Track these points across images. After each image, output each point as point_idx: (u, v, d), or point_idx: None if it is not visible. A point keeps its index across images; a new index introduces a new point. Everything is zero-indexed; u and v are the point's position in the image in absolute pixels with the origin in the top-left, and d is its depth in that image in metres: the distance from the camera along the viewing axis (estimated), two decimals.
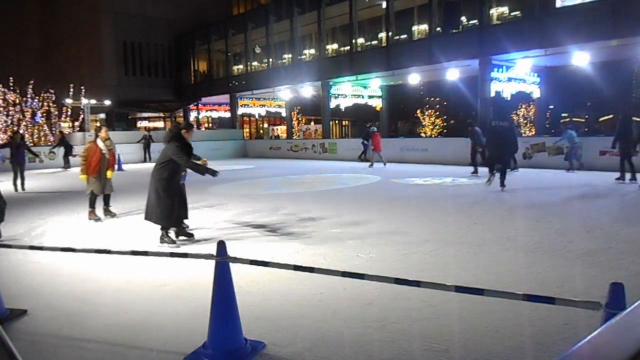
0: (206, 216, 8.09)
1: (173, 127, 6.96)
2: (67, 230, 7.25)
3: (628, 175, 10.95)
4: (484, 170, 11.68)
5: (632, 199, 9.00)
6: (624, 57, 22.64)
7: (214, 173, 5.95)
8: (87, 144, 8.10)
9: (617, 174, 11.17)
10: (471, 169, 13.92)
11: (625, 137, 10.87)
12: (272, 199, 10.03)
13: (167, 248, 5.81)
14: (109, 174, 8.10)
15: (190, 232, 6.38)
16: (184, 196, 6.26)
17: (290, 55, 27.39)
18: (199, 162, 6.10)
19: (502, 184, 10.16)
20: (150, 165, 22.39)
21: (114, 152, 8.43)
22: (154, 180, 5.98)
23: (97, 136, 8.07)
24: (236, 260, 2.92)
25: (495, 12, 18.92)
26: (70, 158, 20.17)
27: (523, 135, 31.67)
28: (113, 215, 8.20)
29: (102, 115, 34.95)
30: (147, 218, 6.07)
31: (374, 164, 17.46)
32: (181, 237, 6.23)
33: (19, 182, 12.23)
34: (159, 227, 6.07)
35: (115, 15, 32.30)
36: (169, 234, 6.06)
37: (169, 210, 5.88)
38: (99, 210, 8.08)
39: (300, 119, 39.73)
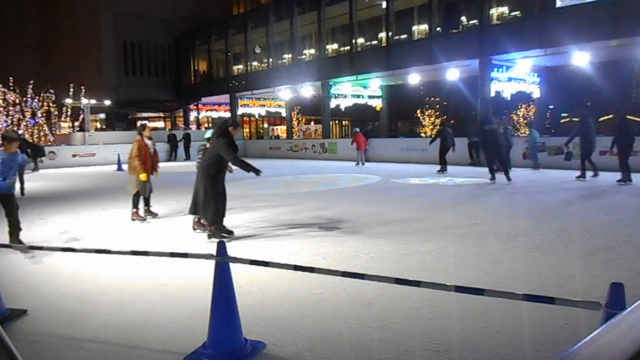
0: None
1: (221, 123, 6.86)
2: (67, 230, 7.25)
3: (591, 173, 11.92)
4: (451, 169, 13.36)
5: (631, 198, 9.00)
6: (624, 57, 22.62)
7: (257, 172, 6.06)
8: (135, 142, 7.72)
9: (617, 175, 11.20)
10: (438, 167, 14.65)
11: (586, 137, 11.49)
12: (271, 199, 10.03)
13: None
14: (156, 173, 7.95)
15: (230, 229, 6.37)
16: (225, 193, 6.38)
17: (290, 55, 27.40)
18: None
19: (508, 179, 11.43)
20: None
21: (156, 151, 8.26)
22: (203, 177, 6.05)
23: (141, 134, 7.79)
24: (236, 260, 2.92)
25: (495, 12, 18.92)
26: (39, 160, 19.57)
27: (523, 135, 31.67)
28: (155, 215, 7.96)
29: (102, 115, 34.98)
30: (193, 212, 6.25)
31: (359, 163, 18.48)
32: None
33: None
34: (190, 224, 6.31)
35: (115, 15, 32.30)
36: (221, 227, 6.15)
37: (218, 206, 6.00)
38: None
39: (300, 119, 39.74)
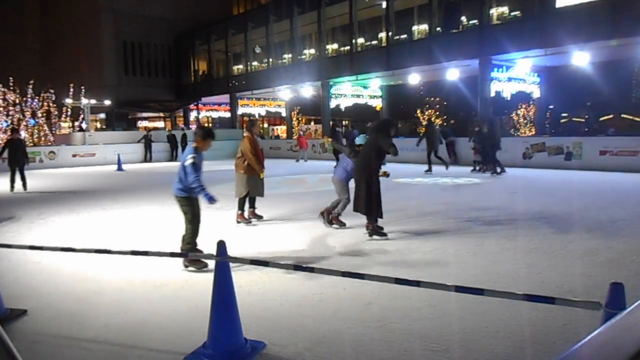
0: (206, 216, 8.07)
1: (382, 120, 6.82)
2: (67, 230, 7.25)
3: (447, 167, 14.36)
4: (436, 169, 14.44)
5: (630, 198, 9.00)
6: (624, 57, 22.62)
7: (387, 175, 6.43)
8: (245, 140, 7.17)
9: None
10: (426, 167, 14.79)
11: (430, 139, 14.29)
12: (271, 199, 10.02)
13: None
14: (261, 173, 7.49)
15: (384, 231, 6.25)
16: None
17: (290, 55, 27.39)
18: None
19: (502, 169, 13.25)
20: (150, 165, 22.25)
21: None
22: (365, 172, 6.02)
23: (251, 131, 7.29)
24: (236, 260, 2.92)
25: (495, 12, 18.92)
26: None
27: (522, 135, 31.66)
28: (260, 217, 7.47)
29: (102, 115, 34.97)
30: (357, 209, 6.18)
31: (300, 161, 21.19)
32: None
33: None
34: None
35: (115, 15, 32.30)
36: (378, 226, 6.09)
37: (379, 201, 6.02)
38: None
39: (300, 119, 39.73)
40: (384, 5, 21.81)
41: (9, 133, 14.34)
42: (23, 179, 11.95)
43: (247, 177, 7.06)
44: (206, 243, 5.92)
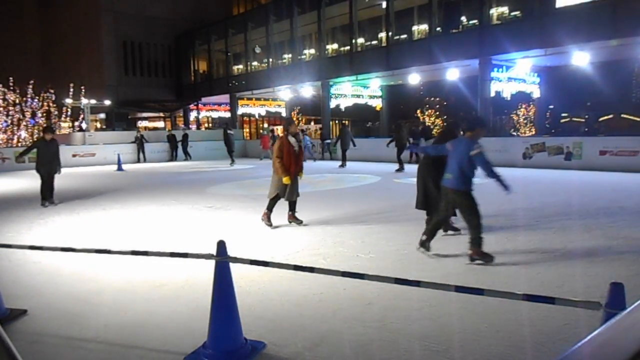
0: (206, 216, 8.09)
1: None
2: (67, 230, 7.25)
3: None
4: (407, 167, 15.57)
5: (628, 197, 9.00)
6: (624, 57, 22.63)
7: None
8: (278, 140, 6.95)
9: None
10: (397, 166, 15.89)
11: (399, 141, 15.55)
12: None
13: (174, 248, 5.81)
14: (301, 174, 7.11)
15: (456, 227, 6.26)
16: None
17: (290, 55, 27.39)
18: None
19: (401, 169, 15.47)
20: (150, 165, 22.22)
21: (303, 149, 7.57)
22: (436, 171, 5.72)
23: (287, 130, 6.92)
24: (236, 260, 2.92)
25: (495, 12, 18.92)
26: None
27: (522, 135, 31.66)
28: (300, 222, 7.06)
29: (102, 115, 34.97)
30: (421, 208, 6.14)
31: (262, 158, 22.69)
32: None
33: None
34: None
35: (115, 15, 32.30)
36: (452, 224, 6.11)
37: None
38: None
39: (300, 118, 39.72)
40: (384, 5, 21.81)
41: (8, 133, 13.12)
42: (50, 189, 9.73)
43: (278, 178, 6.83)
44: (206, 243, 5.93)
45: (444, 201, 5.21)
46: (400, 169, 15.51)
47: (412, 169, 14.45)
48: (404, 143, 15.37)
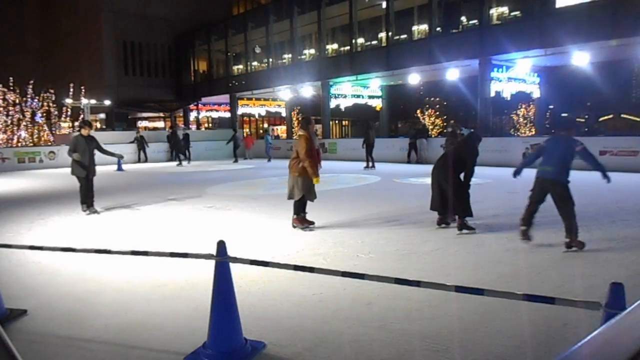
0: (206, 216, 8.09)
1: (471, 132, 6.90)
2: (67, 230, 7.25)
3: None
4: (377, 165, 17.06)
5: (627, 197, 9.00)
6: (624, 57, 22.62)
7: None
8: (302, 139, 6.59)
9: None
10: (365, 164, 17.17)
11: (367, 141, 16.94)
12: (271, 199, 10.02)
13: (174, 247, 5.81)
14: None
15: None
16: None
17: (290, 55, 27.39)
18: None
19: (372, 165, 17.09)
20: (149, 165, 22.24)
21: (319, 149, 7.41)
22: (454, 175, 6.33)
23: (307, 129, 6.68)
24: (236, 260, 2.92)
25: (495, 12, 18.91)
26: None
27: (522, 135, 31.65)
28: (311, 223, 6.84)
29: (102, 115, 34.96)
30: (437, 210, 6.61)
31: (246, 158, 24.02)
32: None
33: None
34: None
35: (115, 15, 32.30)
36: (468, 223, 6.38)
37: (469, 201, 6.37)
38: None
39: (300, 119, 39.72)
40: (384, 5, 21.81)
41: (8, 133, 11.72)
42: (91, 193, 8.59)
43: (302, 179, 6.53)
44: (206, 243, 5.93)
45: (535, 191, 5.65)
46: (369, 167, 16.83)
47: (404, 168, 14.44)
48: (371, 142, 17.03)
